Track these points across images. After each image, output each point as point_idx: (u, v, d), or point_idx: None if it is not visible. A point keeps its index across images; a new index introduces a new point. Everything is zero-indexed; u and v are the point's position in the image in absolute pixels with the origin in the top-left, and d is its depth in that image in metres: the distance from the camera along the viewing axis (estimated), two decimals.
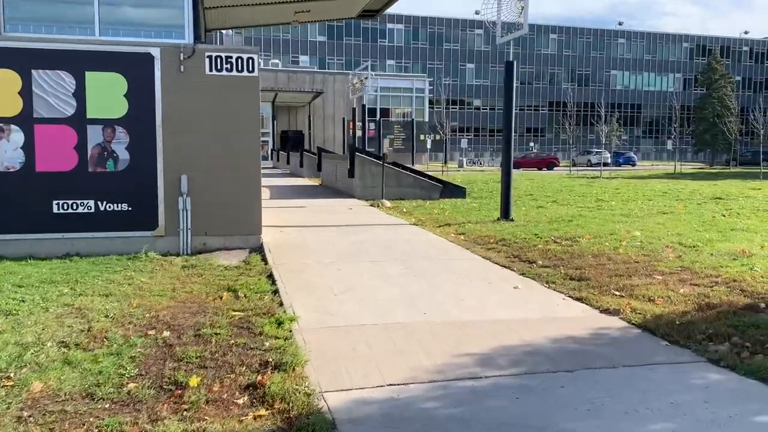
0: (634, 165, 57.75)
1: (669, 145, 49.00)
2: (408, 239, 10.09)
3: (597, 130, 39.78)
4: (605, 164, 44.46)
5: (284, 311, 5.62)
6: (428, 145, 46.89)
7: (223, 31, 60.60)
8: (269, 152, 50.29)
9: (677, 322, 5.34)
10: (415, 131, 57.98)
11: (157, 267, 7.77)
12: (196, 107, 8.88)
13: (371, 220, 12.61)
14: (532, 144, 77.51)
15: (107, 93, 8.52)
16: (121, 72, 8.55)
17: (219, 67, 8.89)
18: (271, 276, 7.13)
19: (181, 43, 8.78)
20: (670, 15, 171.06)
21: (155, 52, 8.64)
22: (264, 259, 8.21)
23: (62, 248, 8.53)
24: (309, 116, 52.63)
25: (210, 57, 8.85)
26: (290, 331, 5.05)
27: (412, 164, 56.24)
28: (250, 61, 8.98)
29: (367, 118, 58.43)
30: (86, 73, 8.42)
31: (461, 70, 78.73)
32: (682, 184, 25.19)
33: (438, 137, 38.02)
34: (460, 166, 52.20)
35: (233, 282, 6.86)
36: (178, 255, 8.78)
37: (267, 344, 4.70)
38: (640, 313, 5.66)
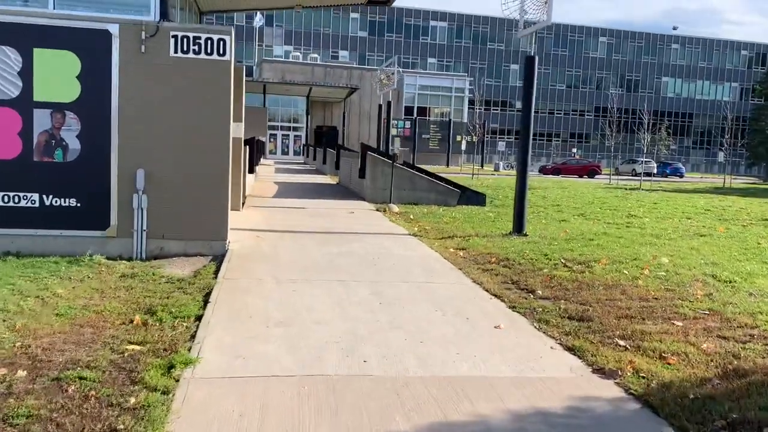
0: (681, 176, 55.00)
1: (720, 157, 46.11)
2: (397, 254, 8.89)
3: (642, 137, 37.68)
4: (651, 174, 42.20)
5: (188, 349, 4.51)
6: (463, 147, 45.39)
7: (256, 21, 60.29)
8: (301, 147, 49.70)
9: (691, 396, 4.03)
10: (452, 132, 56.58)
11: (91, 274, 6.78)
12: (158, 93, 7.87)
13: (368, 227, 11.45)
14: (575, 150, 74.98)
15: (58, 73, 7.57)
16: (74, 50, 7.59)
17: (185, 49, 7.86)
18: (209, 295, 6.04)
19: (143, 20, 7.77)
20: (731, 23, 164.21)
21: (113, 28, 7.65)
22: (217, 272, 7.14)
23: (1, 245, 7.63)
24: (344, 112, 51.78)
25: (175, 37, 7.82)
26: (177, 381, 3.93)
27: (447, 165, 54.81)
28: (222, 42, 7.91)
29: (403, 116, 57.44)
30: (34, 49, 7.49)
31: (504, 70, 76.71)
32: (729, 201, 23.19)
33: (473, 138, 36.47)
34: (497, 169, 50.50)
35: (161, 300, 5.80)
36: (130, 259, 7.80)
37: (133, 400, 3.60)
38: (644, 377, 4.36)
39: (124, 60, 7.72)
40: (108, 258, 7.68)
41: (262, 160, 41.78)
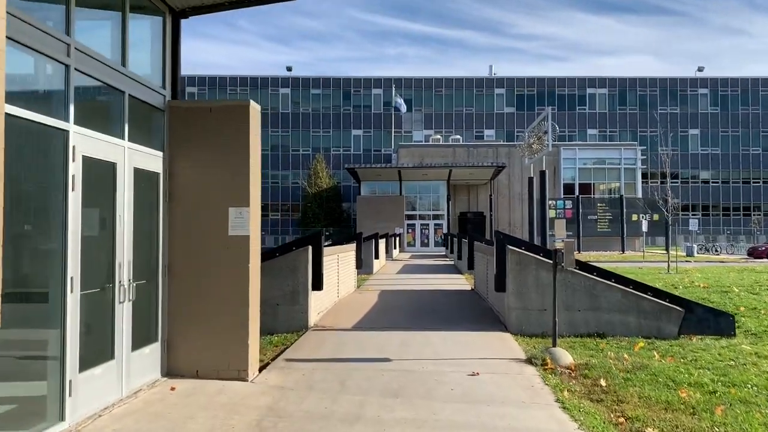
0: None
1: None
2: None
3: None
4: None
5: None
6: (644, 228, 36.52)
7: (398, 105, 56.79)
8: (443, 237, 43.75)
9: None
10: (624, 210, 47.54)
11: None
12: None
13: None
14: None
15: None
16: None
17: None
18: None
19: None
20: None
21: None
22: None
23: None
24: (491, 195, 45.44)
25: None
26: None
27: (622, 251, 45.45)
28: None
29: (562, 195, 49.60)
30: None
31: (682, 137, 65.78)
32: None
33: (658, 217, 28.57)
34: (689, 254, 40.35)
35: None
36: None
37: None
38: None
39: None
40: None
41: (396, 254, 36.33)
